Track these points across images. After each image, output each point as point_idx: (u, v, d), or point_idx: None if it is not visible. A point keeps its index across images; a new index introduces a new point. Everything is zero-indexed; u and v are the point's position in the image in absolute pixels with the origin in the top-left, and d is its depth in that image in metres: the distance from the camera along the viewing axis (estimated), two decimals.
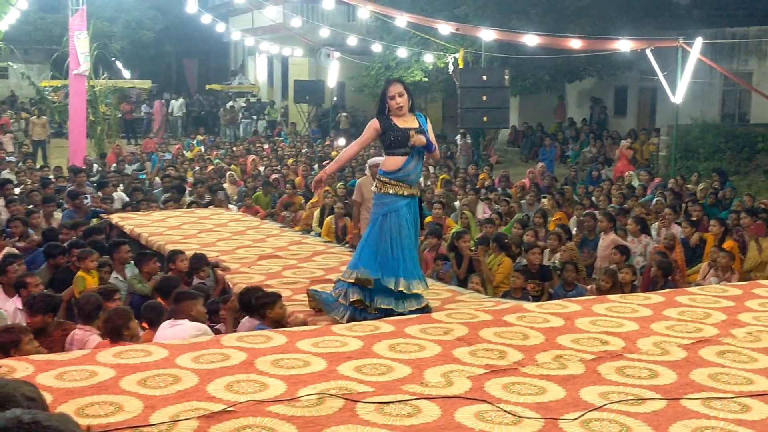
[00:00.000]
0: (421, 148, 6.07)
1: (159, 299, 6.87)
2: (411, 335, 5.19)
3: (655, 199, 13.79)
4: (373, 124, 6.17)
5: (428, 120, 6.36)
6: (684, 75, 16.80)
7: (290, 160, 20.36)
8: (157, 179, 16.58)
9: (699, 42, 16.40)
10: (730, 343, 5.01)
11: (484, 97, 19.21)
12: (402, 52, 23.04)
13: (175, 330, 5.84)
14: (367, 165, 10.06)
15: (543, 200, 13.68)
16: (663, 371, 4.52)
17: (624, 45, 17.56)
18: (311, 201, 14.09)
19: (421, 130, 6.07)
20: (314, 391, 4.16)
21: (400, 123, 6.09)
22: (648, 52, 17.05)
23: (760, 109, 21.17)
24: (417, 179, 6.29)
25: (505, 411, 3.96)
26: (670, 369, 4.55)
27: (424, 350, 4.88)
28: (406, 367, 4.59)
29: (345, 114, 29.41)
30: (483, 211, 13.53)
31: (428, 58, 22.93)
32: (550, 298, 8.38)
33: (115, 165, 18.86)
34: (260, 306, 6.06)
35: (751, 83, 20.50)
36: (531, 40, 18.27)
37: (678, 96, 17.00)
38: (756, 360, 4.71)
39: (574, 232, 11.31)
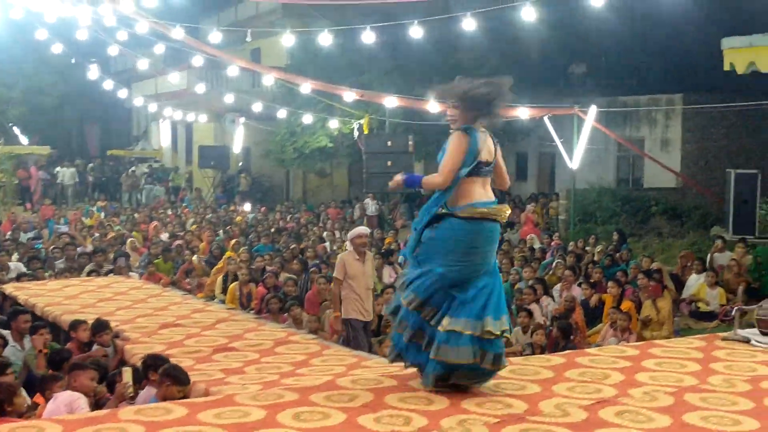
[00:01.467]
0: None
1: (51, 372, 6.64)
2: (316, 403, 5.12)
3: (555, 261, 14.13)
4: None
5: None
6: (580, 141, 17.41)
7: (194, 226, 20.10)
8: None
9: (593, 110, 17.06)
10: (628, 403, 5.12)
11: (389, 162, 19.43)
12: (307, 118, 23.21)
13: (53, 403, 5.69)
14: (348, 238, 9.64)
15: None
16: None
17: (523, 112, 18.12)
18: (215, 267, 13.89)
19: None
20: None
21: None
22: (546, 119, 17.64)
23: (653, 174, 22.05)
24: None
25: None
26: (571, 431, 4.62)
27: (329, 418, 4.83)
28: None
29: (243, 176, 29.35)
30: (389, 275, 13.58)
31: (333, 123, 23.15)
32: None
33: (10, 233, 18.24)
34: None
35: (643, 149, 21.37)
36: (434, 106, 18.67)
37: (575, 161, 17.59)
38: (653, 419, 4.82)
39: None
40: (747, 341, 6.95)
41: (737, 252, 13.51)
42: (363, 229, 9.68)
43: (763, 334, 7.07)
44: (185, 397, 5.85)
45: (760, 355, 6.53)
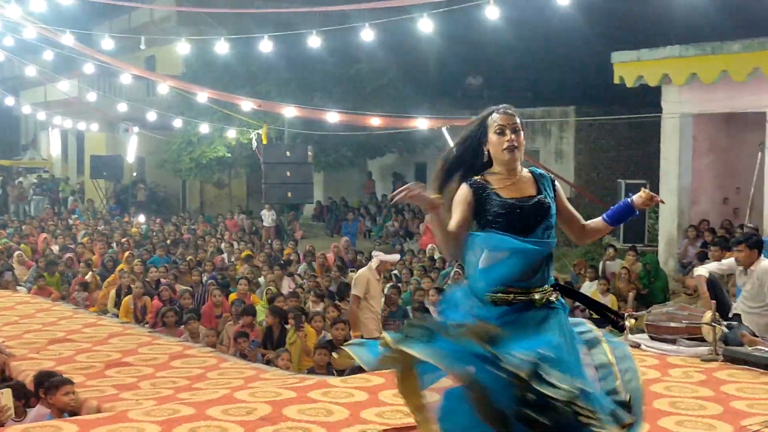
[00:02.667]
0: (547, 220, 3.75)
1: None
2: (212, 417, 5.00)
3: (454, 271, 14.26)
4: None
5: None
6: None
7: (85, 239, 19.49)
8: None
9: None
10: None
11: (288, 173, 19.35)
12: (204, 128, 22.84)
13: None
14: (379, 258, 9.54)
15: (351, 274, 13.79)
16: None
17: (421, 123, 18.29)
18: (107, 280, 13.48)
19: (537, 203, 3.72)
20: None
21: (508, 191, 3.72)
22: (444, 130, 17.84)
23: None
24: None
25: None
26: None
27: None
28: None
29: (142, 186, 28.73)
30: (288, 286, 13.44)
31: (231, 133, 22.85)
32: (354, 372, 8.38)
33: None
34: (46, 391, 5.69)
35: (538, 160, 21.86)
36: (333, 117, 18.66)
37: None
38: None
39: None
40: (637, 346, 7.16)
41: (628, 260, 13.93)
42: (396, 257, 10.12)
43: (653, 338, 7.30)
44: (76, 411, 5.65)
45: (649, 360, 6.74)
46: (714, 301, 7.05)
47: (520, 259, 3.52)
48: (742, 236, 7.63)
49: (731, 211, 14.86)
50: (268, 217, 22.06)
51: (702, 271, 7.80)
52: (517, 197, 3.66)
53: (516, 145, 3.72)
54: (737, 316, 7.28)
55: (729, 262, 7.77)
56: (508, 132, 3.73)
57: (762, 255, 7.39)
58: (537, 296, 3.55)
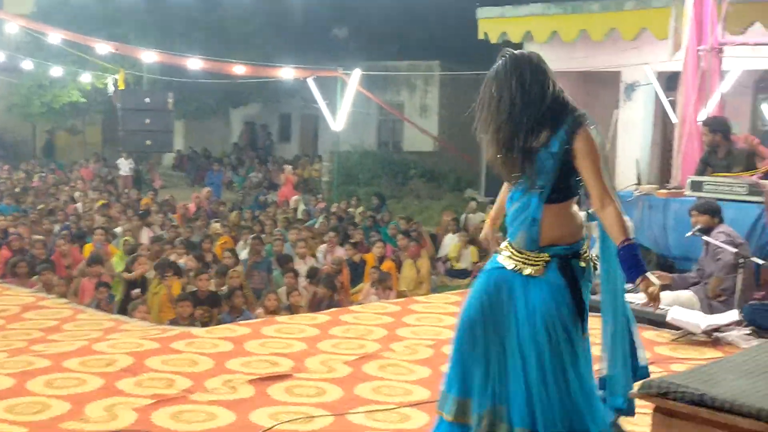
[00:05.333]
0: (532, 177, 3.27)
1: None
2: (70, 369, 4.81)
3: (318, 222, 14.26)
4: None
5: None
6: (343, 104, 17.61)
7: None
8: None
9: (357, 73, 17.28)
10: (390, 357, 5.25)
11: (147, 120, 18.69)
12: (57, 71, 21.71)
13: None
14: None
15: (214, 225, 13.57)
16: (330, 388, 4.62)
17: (287, 73, 18.03)
18: None
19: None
20: None
21: None
22: (310, 81, 17.66)
23: (412, 138, 22.81)
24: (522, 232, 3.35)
25: None
26: (337, 385, 4.66)
27: (85, 384, 4.55)
28: (64, 403, 4.24)
29: None
30: (147, 236, 13.08)
31: (86, 77, 21.84)
32: (219, 324, 8.27)
33: None
34: None
35: (403, 113, 22.02)
36: (194, 63, 18.11)
37: (338, 124, 17.78)
38: (414, 371, 4.97)
39: (241, 256, 11.30)
40: None
41: (489, 213, 14.29)
42: None
43: None
44: None
45: None
46: None
47: None
48: None
49: None
50: (125, 165, 21.33)
51: None
52: None
53: None
54: None
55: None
56: None
57: None
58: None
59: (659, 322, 6.09)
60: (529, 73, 3.22)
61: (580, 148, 3.20)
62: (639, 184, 9.66)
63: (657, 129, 13.42)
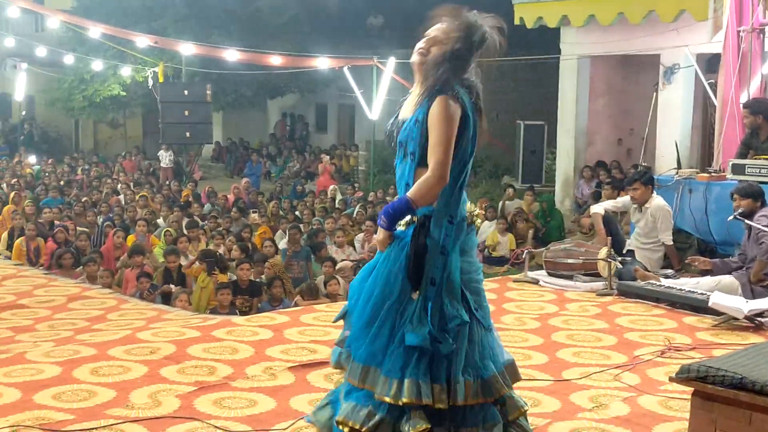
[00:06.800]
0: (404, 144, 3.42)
1: None
2: (115, 357, 4.91)
3: (356, 211, 14.31)
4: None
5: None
6: (379, 93, 17.61)
7: None
8: None
9: (392, 61, 17.28)
10: None
11: (187, 112, 18.90)
12: (97, 65, 21.99)
13: None
14: None
15: (252, 215, 13.70)
16: None
17: (322, 62, 18.08)
18: None
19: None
20: (7, 425, 3.81)
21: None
22: (345, 70, 17.70)
23: None
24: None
25: (216, 426, 3.89)
26: None
27: (129, 371, 4.65)
28: (110, 390, 4.34)
29: (29, 125, 27.71)
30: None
31: (126, 71, 22.09)
32: (259, 312, 8.36)
33: None
34: None
35: None
36: (232, 55, 18.25)
37: (374, 112, 17.80)
38: None
39: (280, 246, 11.39)
40: (536, 282, 7.35)
41: (526, 200, 14.23)
42: None
43: (550, 275, 7.51)
44: None
45: (547, 295, 6.94)
46: (609, 238, 7.29)
47: None
48: (636, 174, 7.86)
49: (625, 152, 15.30)
50: (165, 157, 21.56)
51: (598, 208, 8.03)
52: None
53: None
54: (631, 252, 7.55)
55: (624, 200, 8.01)
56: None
57: (655, 192, 7.66)
58: None
59: (701, 308, 6.05)
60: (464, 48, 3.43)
61: (431, 114, 3.27)
62: (679, 167, 9.57)
63: (697, 112, 13.23)
